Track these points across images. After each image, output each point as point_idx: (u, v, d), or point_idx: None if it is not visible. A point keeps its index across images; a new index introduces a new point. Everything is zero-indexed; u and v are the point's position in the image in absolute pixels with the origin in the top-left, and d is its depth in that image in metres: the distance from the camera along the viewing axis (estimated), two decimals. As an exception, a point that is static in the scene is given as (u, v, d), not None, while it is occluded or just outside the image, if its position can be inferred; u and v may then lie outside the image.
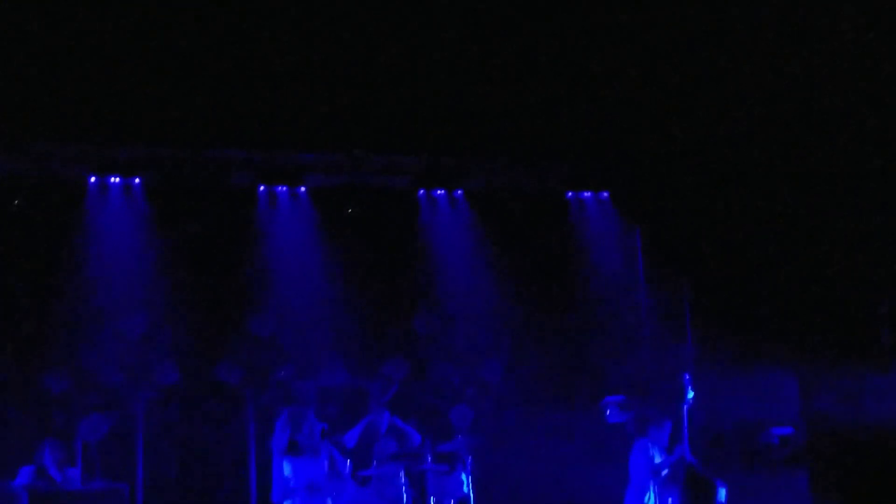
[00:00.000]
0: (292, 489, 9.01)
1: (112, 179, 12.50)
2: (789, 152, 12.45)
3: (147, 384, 12.17)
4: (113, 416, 12.00)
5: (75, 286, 12.18)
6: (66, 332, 12.10)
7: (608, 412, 11.42)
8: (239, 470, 12.31)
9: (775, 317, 13.09)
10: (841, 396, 12.67)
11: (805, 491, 12.51)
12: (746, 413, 12.73)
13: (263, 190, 13.06)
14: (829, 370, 12.73)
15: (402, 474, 11.57)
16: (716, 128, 12.62)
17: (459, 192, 13.67)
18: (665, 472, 9.89)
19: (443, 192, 13.65)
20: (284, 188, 13.08)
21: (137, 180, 12.57)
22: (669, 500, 9.84)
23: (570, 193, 13.98)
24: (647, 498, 10.11)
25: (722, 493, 9.99)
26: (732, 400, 12.69)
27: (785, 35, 11.71)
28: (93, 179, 12.46)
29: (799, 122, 12.24)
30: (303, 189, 13.14)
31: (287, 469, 9.03)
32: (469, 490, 11.71)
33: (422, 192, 13.60)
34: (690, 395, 9.91)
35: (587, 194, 13.98)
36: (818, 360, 12.84)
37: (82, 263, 12.24)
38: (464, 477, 11.75)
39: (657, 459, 10.10)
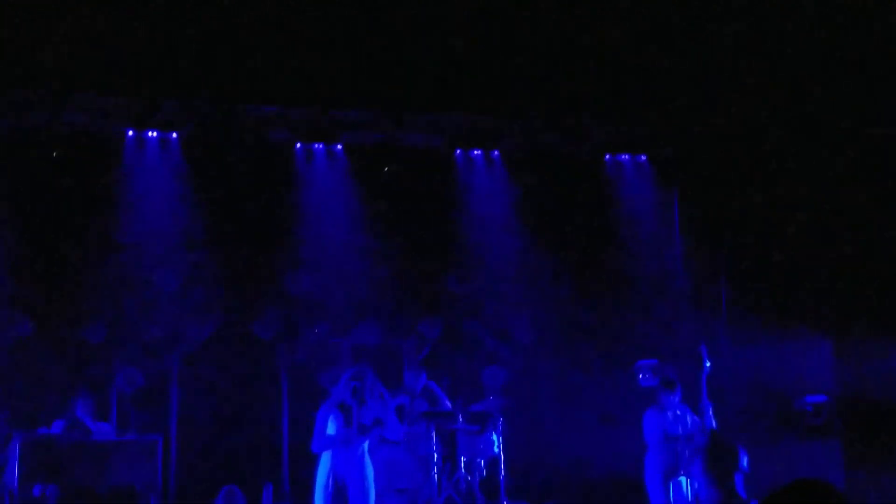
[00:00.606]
0: (331, 440, 9.06)
1: (150, 133, 12.53)
2: (829, 118, 12.28)
3: (182, 338, 12.25)
4: (148, 369, 12.10)
5: (112, 239, 12.25)
6: (103, 285, 12.18)
7: (641, 376, 11.41)
8: (272, 425, 12.39)
9: (812, 283, 12.98)
10: (876, 365, 12.57)
11: (838, 459, 12.45)
12: (780, 380, 12.66)
13: (300, 147, 13.05)
14: (865, 338, 12.63)
15: (433, 433, 11.61)
16: (755, 91, 12.47)
17: (496, 152, 13.60)
18: (695, 437, 9.83)
19: (479, 152, 13.60)
20: (321, 146, 13.07)
21: (175, 135, 12.59)
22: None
23: (607, 156, 13.89)
24: (668, 467, 10.05)
25: (744, 461, 9.97)
26: (766, 366, 12.61)
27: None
28: (130, 133, 12.49)
29: (839, 85, 12.08)
30: (339, 147, 13.12)
31: (331, 422, 9.09)
32: (499, 450, 11.74)
33: (458, 151, 13.55)
34: (707, 364, 9.87)
35: (625, 157, 13.89)
36: (854, 327, 12.74)
37: (119, 216, 12.31)
38: (494, 437, 11.77)
39: (683, 420, 10.04)
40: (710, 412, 9.79)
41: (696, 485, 9.68)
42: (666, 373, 10.34)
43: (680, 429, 10.10)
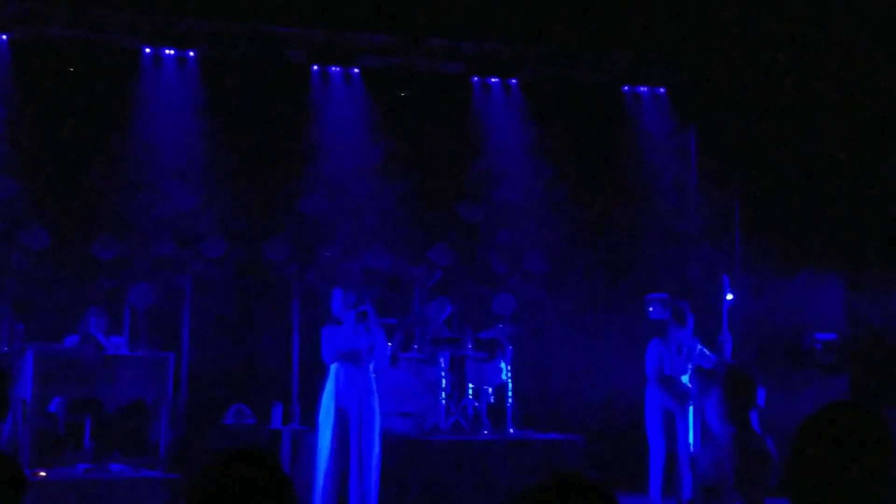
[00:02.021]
0: (338, 353, 9.16)
1: (166, 51, 12.46)
2: (849, 54, 12.15)
3: (194, 257, 12.30)
4: (160, 287, 12.16)
5: (127, 155, 12.25)
6: (117, 201, 12.21)
7: (651, 309, 11.42)
8: (282, 345, 12.48)
9: (825, 220, 12.94)
10: (886, 303, 12.57)
11: (846, 397, 12.50)
12: (790, 317, 12.68)
13: (317, 69, 12.98)
14: (876, 276, 12.61)
15: (442, 359, 11.70)
16: (776, 26, 12.34)
17: (514, 80, 13.51)
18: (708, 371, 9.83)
19: (497, 80, 13.50)
20: (338, 69, 13.00)
21: (192, 53, 12.53)
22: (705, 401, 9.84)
23: (626, 87, 13.79)
24: (667, 401, 10.09)
25: (761, 396, 10.02)
26: (777, 303, 12.62)
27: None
28: (147, 51, 12.43)
29: (860, 23, 11.94)
30: (356, 70, 13.05)
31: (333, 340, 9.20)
32: (507, 378, 11.83)
33: (476, 79, 13.46)
34: (729, 296, 9.85)
35: (643, 89, 13.78)
36: (865, 265, 12.72)
37: (135, 133, 12.29)
38: (503, 365, 11.85)
39: (690, 355, 10.04)
40: (729, 345, 9.79)
41: (709, 418, 9.75)
42: (678, 305, 10.31)
43: (681, 363, 10.11)
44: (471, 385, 11.90)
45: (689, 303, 10.47)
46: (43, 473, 9.72)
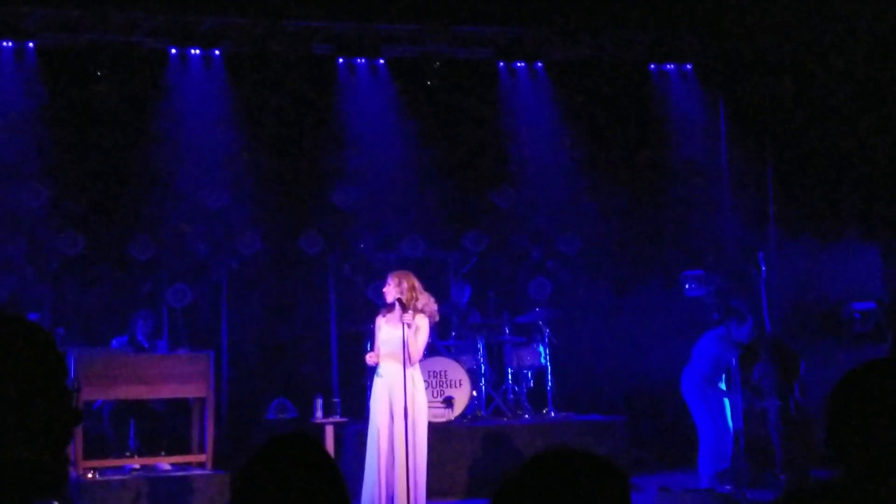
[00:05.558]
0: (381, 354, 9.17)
1: (192, 51, 12.52)
2: (880, 16, 12.03)
3: (230, 254, 12.36)
4: (197, 285, 12.24)
5: (158, 156, 12.32)
6: (149, 202, 12.30)
7: (687, 286, 11.40)
8: (320, 338, 12.53)
9: (860, 190, 12.84)
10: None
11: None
12: (828, 287, 12.59)
13: (342, 62, 13.00)
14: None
15: (480, 345, 11.72)
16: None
17: (540, 64, 13.48)
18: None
19: (523, 64, 13.47)
20: (363, 60, 13.00)
21: (217, 51, 12.58)
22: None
23: (652, 65, 13.71)
24: (709, 380, 10.05)
25: (802, 367, 9.99)
26: (813, 273, 12.54)
27: None
28: (173, 51, 12.49)
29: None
30: (381, 61, 13.06)
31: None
32: (546, 361, 11.84)
33: (502, 64, 13.44)
34: (763, 270, 9.79)
35: (670, 66, 13.71)
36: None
37: (164, 134, 12.35)
38: (541, 349, 11.87)
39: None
40: (767, 323, 9.74)
41: (753, 392, 9.70)
42: (737, 306, 10.11)
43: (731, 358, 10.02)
44: (510, 370, 11.93)
45: (723, 279, 10.41)
46: (90, 475, 9.83)
